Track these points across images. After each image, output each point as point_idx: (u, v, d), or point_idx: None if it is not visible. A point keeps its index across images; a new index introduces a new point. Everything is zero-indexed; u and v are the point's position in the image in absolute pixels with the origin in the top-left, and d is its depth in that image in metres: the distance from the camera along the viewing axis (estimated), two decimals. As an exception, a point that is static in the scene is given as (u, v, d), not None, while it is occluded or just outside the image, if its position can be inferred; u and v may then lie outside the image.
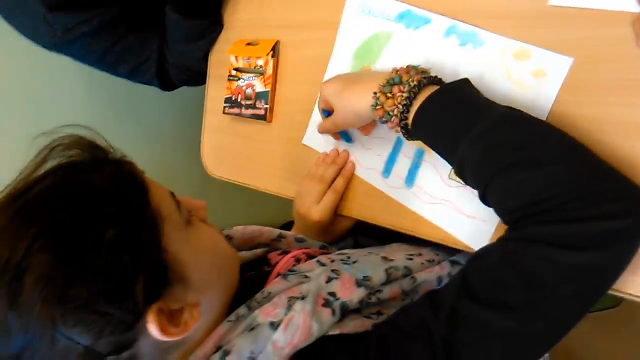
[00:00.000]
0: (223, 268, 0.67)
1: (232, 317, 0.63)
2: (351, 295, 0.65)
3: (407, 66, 0.73)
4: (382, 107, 0.70)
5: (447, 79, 0.69)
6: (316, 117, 0.90)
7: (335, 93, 0.77)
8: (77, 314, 0.50)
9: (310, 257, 0.78)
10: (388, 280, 0.69)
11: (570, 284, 0.53)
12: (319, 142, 0.90)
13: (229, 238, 0.85)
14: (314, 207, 0.87)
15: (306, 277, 0.68)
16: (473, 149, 0.61)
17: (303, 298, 0.63)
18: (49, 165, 0.59)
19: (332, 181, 0.87)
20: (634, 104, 0.60)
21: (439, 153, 0.67)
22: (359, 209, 0.85)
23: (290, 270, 0.70)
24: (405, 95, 0.67)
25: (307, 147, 0.92)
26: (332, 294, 0.64)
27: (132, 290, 0.53)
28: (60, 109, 1.35)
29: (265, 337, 0.60)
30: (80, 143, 0.60)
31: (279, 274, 0.73)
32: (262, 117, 0.97)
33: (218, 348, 0.61)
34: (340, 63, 0.87)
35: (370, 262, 0.72)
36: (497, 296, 0.55)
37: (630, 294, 0.60)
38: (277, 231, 0.87)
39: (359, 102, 0.74)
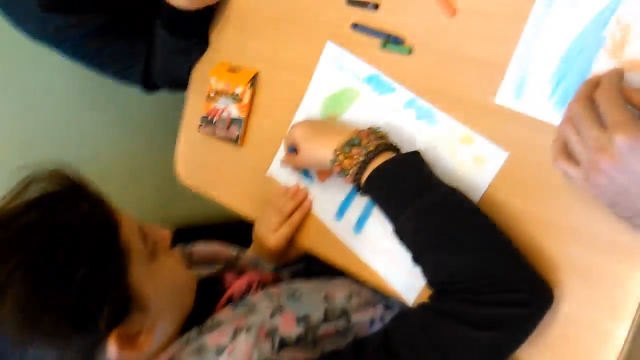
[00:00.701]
0: (180, 297, 0.75)
1: (183, 339, 0.72)
2: (290, 331, 0.74)
3: (369, 128, 0.81)
4: (340, 165, 0.78)
5: (403, 145, 0.78)
6: (282, 152, 0.97)
7: (303, 138, 0.86)
8: (45, 337, 0.59)
9: (262, 284, 0.87)
10: (325, 320, 0.79)
11: (471, 356, 0.64)
12: (282, 176, 0.98)
13: (190, 255, 0.93)
14: (270, 236, 0.95)
15: (253, 309, 0.77)
16: (411, 222, 0.71)
17: (248, 330, 0.72)
18: (30, 193, 0.66)
19: (290, 214, 0.95)
20: (551, 205, 0.70)
21: (383, 213, 0.76)
22: (310, 243, 0.94)
23: (240, 300, 0.79)
24: (361, 158, 0.76)
25: (270, 178, 1.00)
26: (274, 328, 0.73)
27: (97, 321, 0.61)
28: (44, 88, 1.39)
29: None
30: (59, 177, 0.68)
31: (230, 299, 0.82)
32: (234, 141, 1.05)
33: None
34: (310, 107, 0.95)
35: (312, 300, 0.81)
36: (410, 357, 0.65)
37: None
38: (235, 252, 0.96)
39: (321, 153, 0.82)
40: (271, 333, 0.72)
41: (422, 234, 0.70)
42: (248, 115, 1.04)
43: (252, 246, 1.02)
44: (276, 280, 0.92)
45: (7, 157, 1.27)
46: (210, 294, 0.85)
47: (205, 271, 0.91)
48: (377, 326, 0.83)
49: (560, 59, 0.70)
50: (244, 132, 1.04)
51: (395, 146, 0.79)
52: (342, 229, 0.89)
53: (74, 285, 0.59)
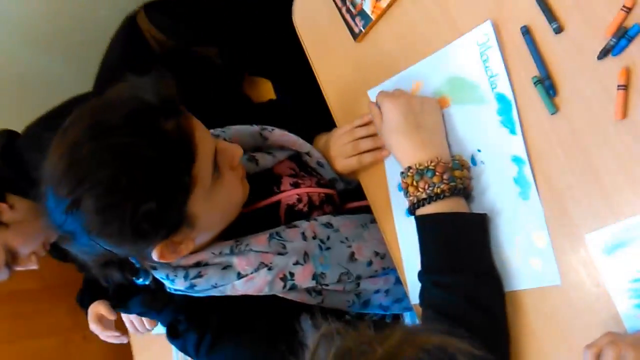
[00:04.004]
0: (229, 213, 0.85)
1: (217, 249, 0.83)
2: (304, 282, 0.85)
3: (453, 160, 0.80)
4: (405, 186, 0.81)
5: (485, 192, 0.77)
6: (389, 86, 0.91)
7: (391, 129, 0.84)
8: (110, 237, 0.70)
9: (309, 200, 0.93)
10: (338, 281, 0.88)
11: None
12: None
13: (264, 138, 0.97)
14: (339, 160, 0.97)
15: (284, 248, 0.86)
16: (443, 288, 0.75)
17: (270, 269, 0.83)
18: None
19: (364, 152, 0.94)
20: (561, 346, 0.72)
21: (421, 250, 0.79)
22: (367, 184, 0.96)
23: (277, 234, 0.87)
24: (423, 196, 0.78)
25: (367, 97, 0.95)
26: (292, 274, 0.84)
27: (151, 237, 0.72)
28: None
29: (230, 279, 0.82)
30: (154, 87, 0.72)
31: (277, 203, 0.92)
32: (354, 35, 0.96)
33: (197, 264, 0.84)
34: (434, 70, 0.85)
35: (337, 258, 0.88)
36: None
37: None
38: (308, 147, 0.99)
39: (397, 154, 0.85)
40: (286, 278, 0.84)
41: (450, 298, 0.75)
42: (377, 20, 0.92)
43: (319, 147, 1.03)
44: (327, 195, 0.97)
45: None
46: (264, 189, 0.94)
47: (269, 160, 0.96)
48: (379, 296, 0.93)
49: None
50: (366, 33, 0.94)
51: (467, 192, 0.79)
52: (397, 200, 0.90)
53: (141, 212, 0.67)
